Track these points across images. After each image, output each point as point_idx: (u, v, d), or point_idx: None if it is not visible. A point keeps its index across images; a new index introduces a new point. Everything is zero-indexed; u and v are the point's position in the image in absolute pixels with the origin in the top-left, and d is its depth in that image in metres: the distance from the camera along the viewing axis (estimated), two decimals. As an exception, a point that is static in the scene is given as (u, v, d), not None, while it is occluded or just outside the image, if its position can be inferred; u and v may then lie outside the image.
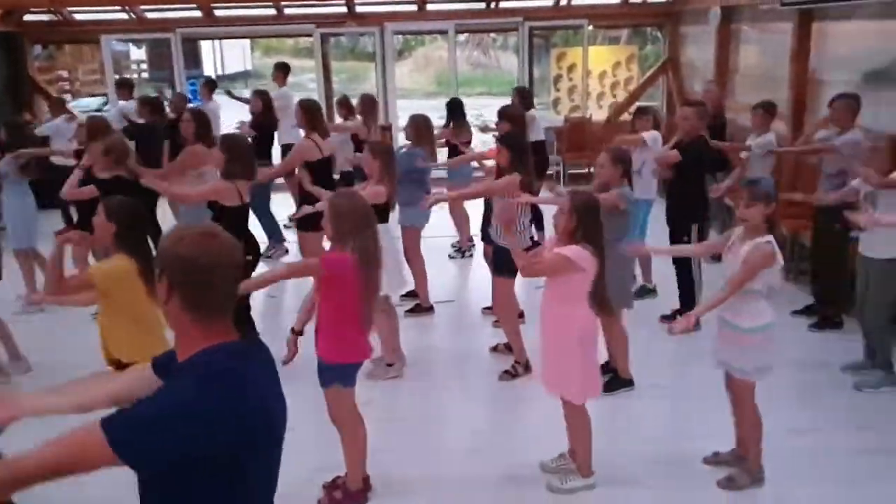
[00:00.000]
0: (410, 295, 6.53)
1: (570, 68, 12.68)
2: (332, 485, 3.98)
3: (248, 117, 8.77)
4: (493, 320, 6.23)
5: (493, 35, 28.67)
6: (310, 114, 6.33)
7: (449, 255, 8.20)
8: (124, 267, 3.53)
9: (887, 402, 4.86)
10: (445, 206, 7.69)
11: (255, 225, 6.46)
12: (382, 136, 7.67)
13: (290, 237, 8.08)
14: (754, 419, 3.93)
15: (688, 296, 6.01)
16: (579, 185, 8.11)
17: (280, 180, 8.21)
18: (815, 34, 7.80)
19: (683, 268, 6.03)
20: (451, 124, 8.03)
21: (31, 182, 6.73)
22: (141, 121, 8.21)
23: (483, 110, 16.85)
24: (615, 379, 5.07)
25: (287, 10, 11.75)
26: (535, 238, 5.91)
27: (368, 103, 8.15)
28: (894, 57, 6.61)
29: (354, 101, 8.47)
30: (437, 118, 7.65)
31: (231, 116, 9.99)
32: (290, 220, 8.47)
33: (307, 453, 4.01)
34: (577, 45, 12.68)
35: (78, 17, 11.82)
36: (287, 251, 8.25)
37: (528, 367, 5.25)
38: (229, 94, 11.20)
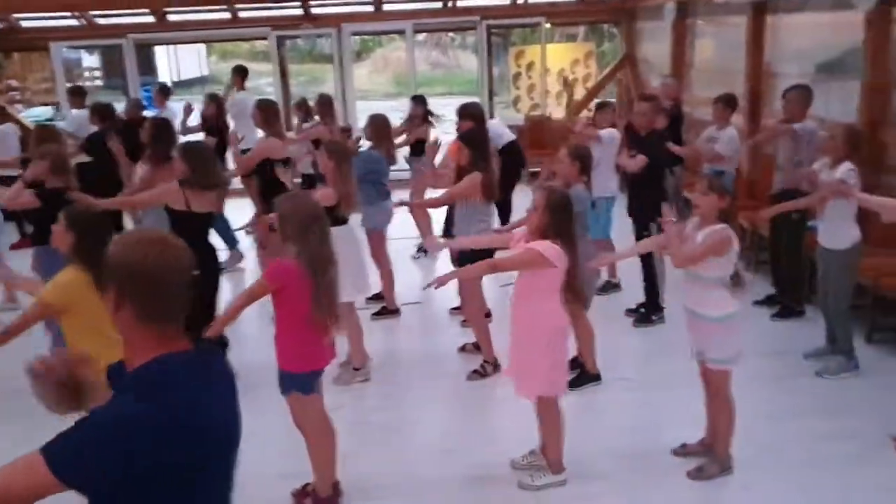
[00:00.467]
0: (376, 298, 6.48)
1: (529, 66, 12.72)
2: (301, 492, 3.91)
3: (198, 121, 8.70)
4: (460, 320, 6.21)
5: (451, 34, 28.70)
6: (265, 113, 6.27)
7: (412, 256, 8.16)
8: (78, 278, 3.36)
9: (849, 387, 4.94)
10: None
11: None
12: (343, 138, 7.56)
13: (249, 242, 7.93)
14: (729, 408, 3.96)
15: (651, 288, 6.06)
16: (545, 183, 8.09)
17: (237, 183, 7.90)
18: (768, 27, 7.92)
19: (646, 261, 6.08)
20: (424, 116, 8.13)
21: None
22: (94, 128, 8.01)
23: (444, 110, 16.76)
24: (582, 374, 5.08)
25: (242, 14, 11.59)
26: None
27: (325, 103, 8.09)
28: (845, 48, 6.74)
29: (312, 104, 8.40)
30: (397, 119, 7.59)
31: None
32: (247, 231, 8.34)
33: (274, 461, 3.95)
34: (536, 43, 12.73)
35: (25, 24, 11.55)
36: (242, 256, 7.99)
37: (497, 366, 5.24)
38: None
